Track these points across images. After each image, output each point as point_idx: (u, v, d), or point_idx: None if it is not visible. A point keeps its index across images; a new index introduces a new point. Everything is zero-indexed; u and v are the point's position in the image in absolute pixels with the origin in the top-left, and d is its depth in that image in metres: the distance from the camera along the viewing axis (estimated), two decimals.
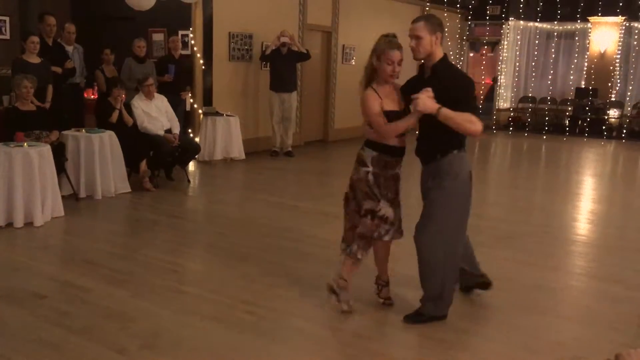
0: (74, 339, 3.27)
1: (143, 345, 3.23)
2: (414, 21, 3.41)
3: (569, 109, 14.58)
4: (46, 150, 5.52)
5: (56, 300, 3.79)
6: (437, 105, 3.25)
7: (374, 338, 3.43)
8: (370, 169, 3.52)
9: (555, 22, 14.55)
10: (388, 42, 3.42)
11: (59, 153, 6.01)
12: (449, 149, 3.43)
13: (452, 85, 3.32)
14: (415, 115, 3.35)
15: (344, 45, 11.48)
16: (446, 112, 3.25)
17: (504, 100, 15.51)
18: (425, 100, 3.25)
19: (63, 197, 5.87)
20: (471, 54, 16.32)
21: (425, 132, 3.51)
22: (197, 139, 8.59)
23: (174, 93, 8.01)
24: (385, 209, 3.55)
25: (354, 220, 3.64)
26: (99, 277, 4.20)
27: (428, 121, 3.34)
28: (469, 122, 3.30)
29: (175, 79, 8.27)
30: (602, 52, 14.15)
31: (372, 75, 3.50)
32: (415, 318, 3.59)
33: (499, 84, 15.38)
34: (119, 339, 3.29)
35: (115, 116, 6.76)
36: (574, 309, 4.07)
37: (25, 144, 5.50)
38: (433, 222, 3.44)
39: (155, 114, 7.05)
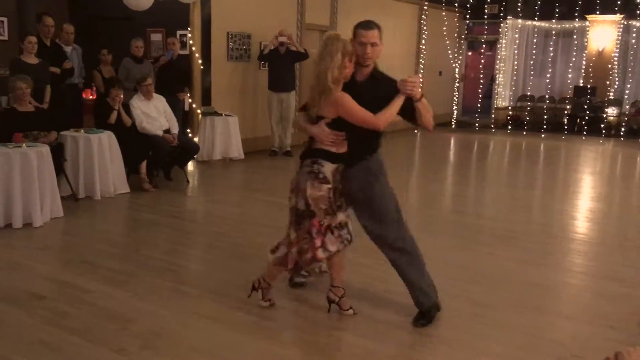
0: (74, 340, 3.27)
1: (143, 346, 3.23)
2: (369, 27, 3.41)
3: (568, 107, 14.59)
4: (45, 150, 5.52)
5: (55, 301, 3.79)
6: (421, 92, 3.39)
7: (373, 337, 3.43)
8: (331, 184, 3.44)
9: (554, 21, 14.56)
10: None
11: (58, 153, 6.01)
12: (375, 148, 3.59)
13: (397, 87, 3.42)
14: (401, 100, 3.38)
15: None
16: (424, 100, 3.40)
17: (503, 99, 15.52)
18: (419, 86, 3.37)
19: (62, 197, 5.86)
20: (469, 53, 16.33)
21: (355, 136, 3.46)
22: (195, 139, 8.59)
23: (171, 94, 8.01)
24: (340, 216, 3.52)
25: (304, 242, 3.46)
26: (99, 277, 4.20)
27: (354, 126, 3.38)
28: (431, 114, 3.50)
29: (173, 79, 8.26)
30: (601, 50, 14.16)
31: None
32: (424, 321, 3.59)
33: (497, 82, 15.39)
34: (119, 340, 3.29)
35: (113, 117, 6.76)
36: (573, 307, 4.07)
37: (24, 144, 5.49)
38: (388, 215, 3.53)
39: (154, 114, 7.05)
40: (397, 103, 3.38)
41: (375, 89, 3.44)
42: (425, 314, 3.61)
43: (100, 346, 3.21)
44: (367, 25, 3.43)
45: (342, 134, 3.40)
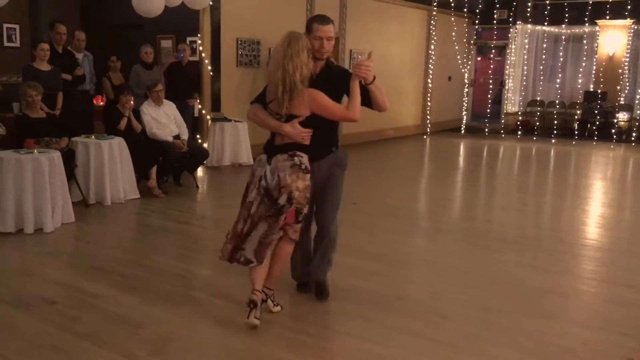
0: (83, 345, 3.29)
1: (152, 351, 3.24)
2: (326, 22, 3.52)
3: (578, 112, 14.53)
4: (56, 156, 5.56)
5: (66, 306, 3.81)
6: (373, 75, 3.50)
7: (382, 343, 3.42)
8: (310, 174, 3.55)
9: (563, 26, 14.52)
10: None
11: (69, 159, 6.05)
12: (337, 142, 3.81)
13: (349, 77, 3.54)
14: (357, 84, 3.48)
15: (351, 51, 11.51)
16: (377, 82, 3.54)
17: (513, 104, 15.48)
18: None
19: (73, 203, 5.89)
20: (478, 58, 16.30)
21: (320, 131, 3.56)
22: (205, 145, 8.63)
23: (181, 99, 8.05)
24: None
25: (272, 235, 3.52)
26: (109, 282, 4.22)
27: (321, 121, 3.50)
28: (385, 95, 3.59)
29: (183, 85, 8.31)
30: (611, 55, 14.10)
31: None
32: (324, 295, 3.95)
33: (507, 88, 15.35)
34: (129, 345, 3.30)
35: (123, 123, 6.80)
36: (584, 313, 4.04)
37: (36, 150, 5.54)
38: (336, 205, 3.83)
39: (164, 120, 7.09)
40: (357, 89, 3.49)
41: (330, 79, 3.56)
42: (324, 289, 3.93)
43: (110, 351, 3.22)
44: (324, 20, 3.54)
45: (311, 130, 3.49)
